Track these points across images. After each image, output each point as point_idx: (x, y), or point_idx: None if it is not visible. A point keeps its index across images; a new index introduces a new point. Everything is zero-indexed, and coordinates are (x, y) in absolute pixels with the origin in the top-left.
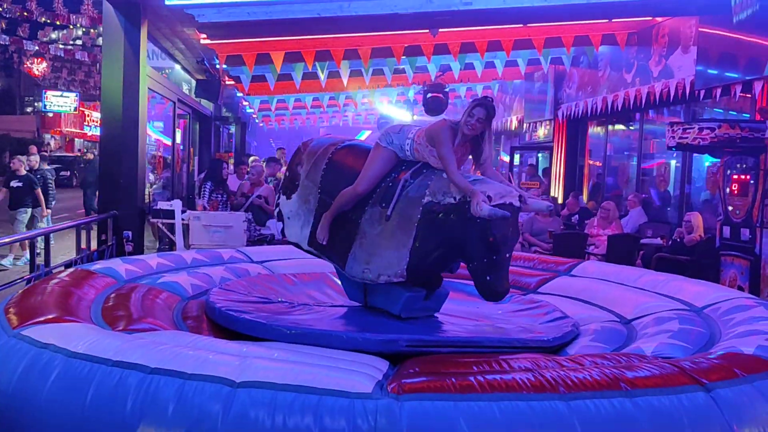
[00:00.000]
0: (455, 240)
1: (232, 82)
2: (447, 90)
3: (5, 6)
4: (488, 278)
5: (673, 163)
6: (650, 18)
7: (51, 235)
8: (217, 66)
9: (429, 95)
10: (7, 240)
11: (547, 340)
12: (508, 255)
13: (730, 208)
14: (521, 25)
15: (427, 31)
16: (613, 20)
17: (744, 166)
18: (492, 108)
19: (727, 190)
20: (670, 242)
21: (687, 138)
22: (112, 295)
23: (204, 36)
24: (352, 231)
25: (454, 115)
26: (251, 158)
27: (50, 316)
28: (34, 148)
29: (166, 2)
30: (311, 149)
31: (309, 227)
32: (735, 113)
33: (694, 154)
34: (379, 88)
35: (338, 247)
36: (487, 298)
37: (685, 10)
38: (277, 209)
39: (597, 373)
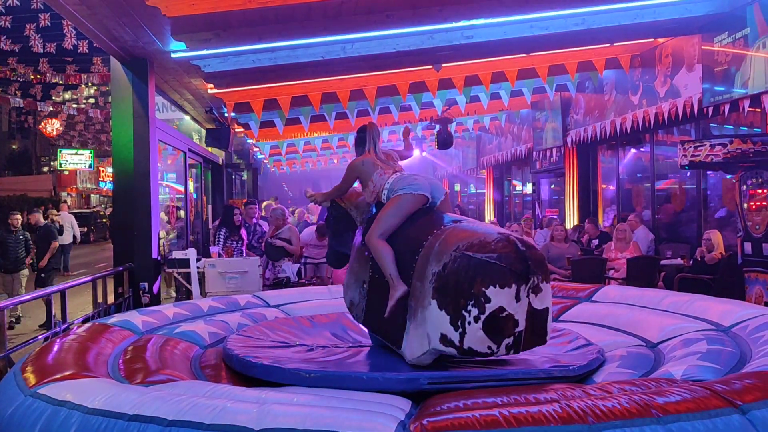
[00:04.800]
0: None
1: (242, 130)
2: (454, 123)
3: (18, 71)
4: None
5: (686, 182)
6: (652, 39)
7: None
8: (226, 114)
9: (438, 130)
10: (26, 298)
11: (572, 369)
12: None
13: (749, 223)
14: (524, 55)
15: (431, 66)
16: (615, 44)
17: (760, 180)
18: None
19: (745, 205)
20: (691, 262)
21: (699, 156)
22: (130, 348)
23: (211, 86)
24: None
25: (462, 148)
26: (265, 202)
27: (67, 373)
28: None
29: (172, 55)
30: None
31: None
32: (745, 128)
33: (708, 172)
34: (387, 126)
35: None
36: None
37: (686, 30)
38: None
39: (626, 401)
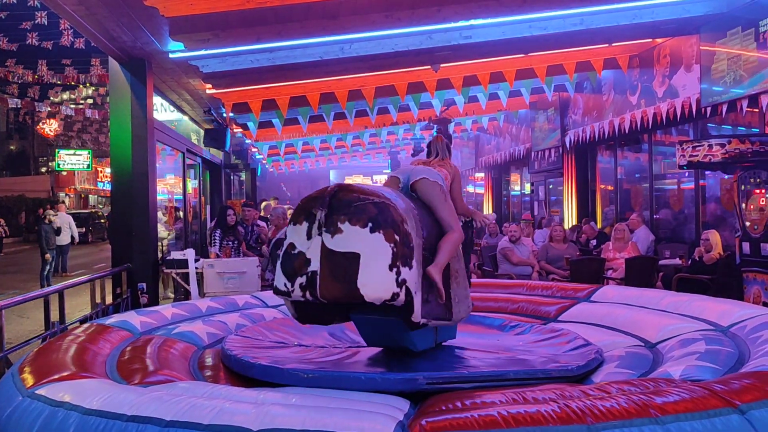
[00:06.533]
0: None
1: (240, 130)
2: (452, 124)
3: (17, 72)
4: None
5: (685, 181)
6: (650, 40)
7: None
8: (224, 114)
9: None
10: (18, 299)
11: (571, 369)
12: None
13: (747, 223)
14: (522, 55)
15: (429, 66)
16: (614, 44)
17: (758, 180)
18: None
19: (743, 205)
20: (689, 262)
21: (697, 156)
22: (128, 349)
23: (209, 86)
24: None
25: (460, 148)
26: (264, 203)
27: (65, 374)
28: None
29: (171, 55)
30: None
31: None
32: (744, 128)
33: (707, 172)
34: (385, 126)
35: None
36: None
37: (684, 30)
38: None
39: (625, 401)
